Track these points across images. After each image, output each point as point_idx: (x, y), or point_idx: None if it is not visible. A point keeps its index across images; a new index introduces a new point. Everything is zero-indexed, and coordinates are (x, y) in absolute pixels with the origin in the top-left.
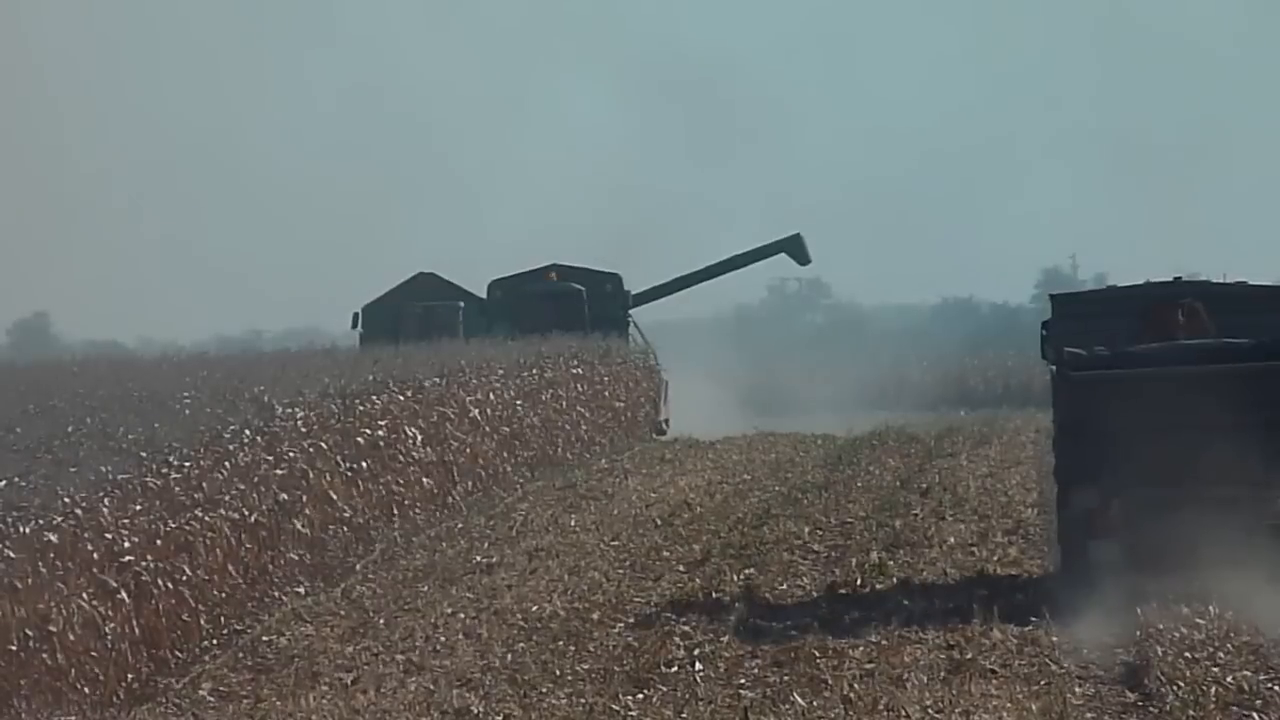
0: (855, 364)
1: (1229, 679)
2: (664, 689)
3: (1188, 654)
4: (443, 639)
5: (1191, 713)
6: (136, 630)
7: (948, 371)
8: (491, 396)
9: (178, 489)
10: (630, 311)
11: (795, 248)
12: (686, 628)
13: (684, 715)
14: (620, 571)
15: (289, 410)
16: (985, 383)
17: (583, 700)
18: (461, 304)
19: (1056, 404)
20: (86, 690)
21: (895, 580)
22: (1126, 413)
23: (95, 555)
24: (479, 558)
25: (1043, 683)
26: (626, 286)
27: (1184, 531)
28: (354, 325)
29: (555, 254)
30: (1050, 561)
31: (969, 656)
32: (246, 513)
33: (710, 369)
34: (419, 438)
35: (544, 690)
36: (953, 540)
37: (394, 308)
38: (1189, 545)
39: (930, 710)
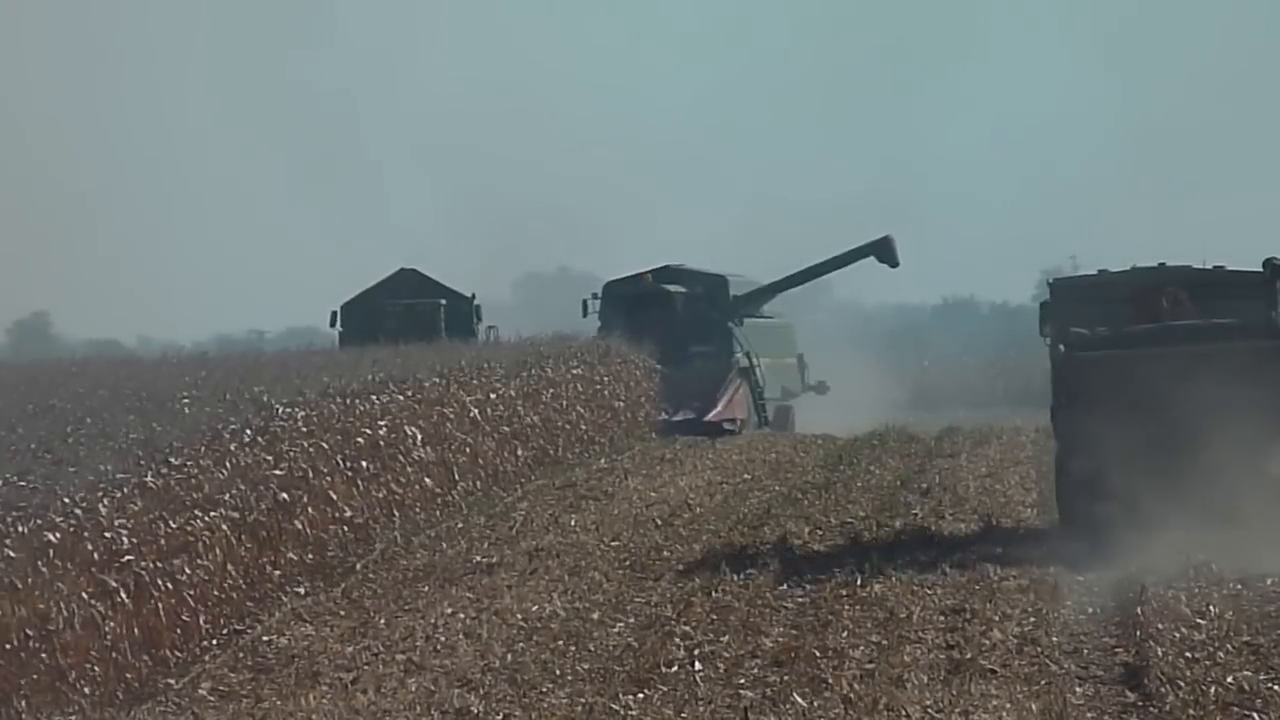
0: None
1: (1229, 679)
2: (664, 689)
3: (1188, 654)
4: (443, 639)
5: (1191, 713)
6: (136, 630)
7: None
8: (492, 396)
9: (178, 489)
10: (740, 314)
11: (885, 250)
12: (686, 628)
13: (684, 715)
14: (620, 571)
15: (289, 410)
16: (985, 382)
17: (583, 700)
18: (443, 302)
19: (1058, 379)
20: (86, 690)
21: (895, 579)
22: (1124, 386)
23: (95, 555)
24: (479, 558)
25: (1043, 683)
26: (734, 291)
27: (1177, 493)
28: (332, 324)
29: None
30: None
31: (969, 656)
32: (246, 513)
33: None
34: (419, 437)
35: (544, 690)
36: (953, 539)
37: (374, 306)
38: (1182, 506)
39: (930, 710)
